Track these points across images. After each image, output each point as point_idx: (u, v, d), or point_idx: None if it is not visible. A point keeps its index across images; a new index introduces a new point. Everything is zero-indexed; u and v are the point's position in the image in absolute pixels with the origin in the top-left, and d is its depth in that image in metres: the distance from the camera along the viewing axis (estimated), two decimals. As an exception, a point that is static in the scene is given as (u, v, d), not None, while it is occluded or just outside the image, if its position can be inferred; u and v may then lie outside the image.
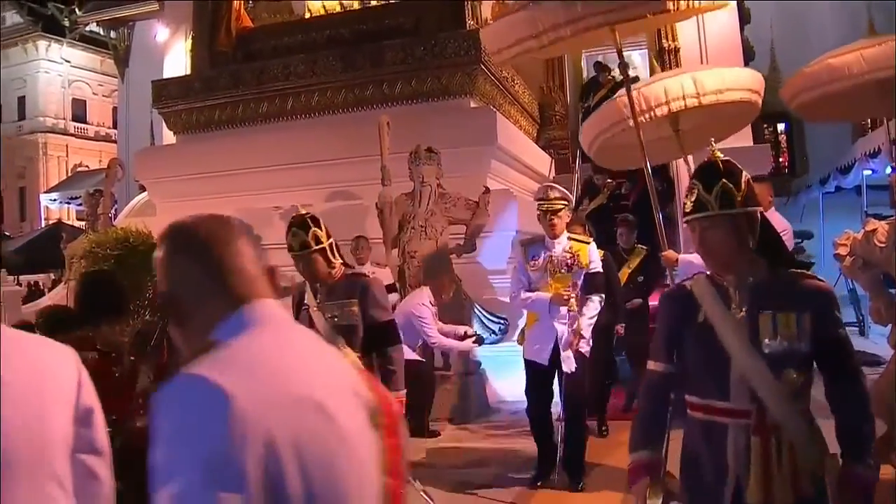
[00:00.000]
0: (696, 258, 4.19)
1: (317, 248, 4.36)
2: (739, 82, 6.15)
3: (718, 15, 14.60)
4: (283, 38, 12.51)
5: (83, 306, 5.22)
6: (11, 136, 50.73)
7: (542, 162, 13.36)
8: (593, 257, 5.84)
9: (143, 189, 16.72)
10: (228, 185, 11.11)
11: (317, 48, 12.01)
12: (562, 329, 5.66)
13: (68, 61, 51.06)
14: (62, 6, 42.62)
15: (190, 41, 14.97)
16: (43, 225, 37.59)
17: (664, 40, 13.94)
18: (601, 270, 5.94)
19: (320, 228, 4.38)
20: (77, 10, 26.99)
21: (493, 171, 10.35)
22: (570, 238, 5.81)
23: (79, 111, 51.85)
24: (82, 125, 51.83)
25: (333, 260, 4.45)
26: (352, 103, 11.50)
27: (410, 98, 11.15)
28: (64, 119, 51.12)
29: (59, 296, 11.85)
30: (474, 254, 9.04)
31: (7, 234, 37.25)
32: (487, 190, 9.00)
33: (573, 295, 5.66)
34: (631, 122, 5.64)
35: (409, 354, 7.62)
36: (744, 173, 2.57)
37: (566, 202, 5.79)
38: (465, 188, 9.11)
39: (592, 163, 10.51)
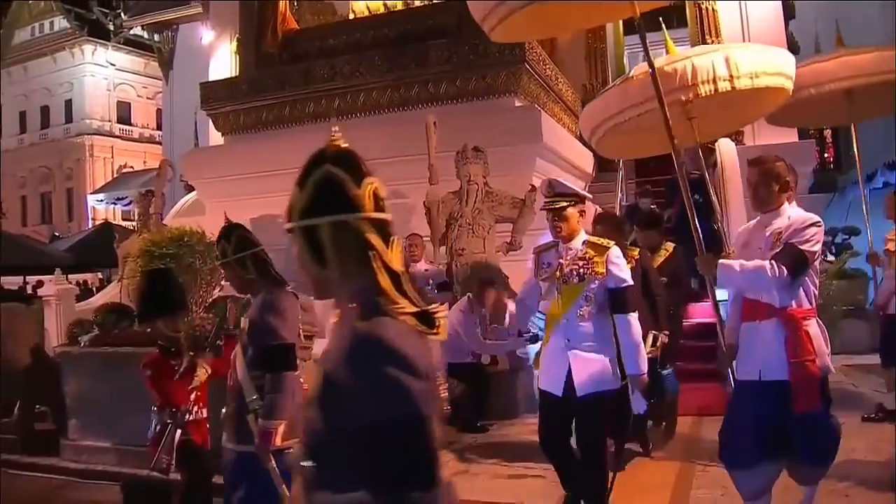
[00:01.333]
0: (738, 264, 4.10)
1: (223, 260, 4.30)
2: (777, 65, 5.49)
3: (762, 10, 14.55)
4: (328, 39, 12.68)
5: (144, 303, 5.40)
6: (59, 138, 51.87)
7: (586, 160, 13.36)
8: (615, 264, 4.67)
9: (188, 189, 17.04)
10: (277, 185, 11.17)
11: (362, 48, 12.15)
12: (579, 356, 4.61)
13: (113, 64, 51.98)
14: (107, 11, 43.30)
15: (235, 43, 15.21)
16: (90, 225, 38.30)
17: (707, 36, 13.87)
18: (630, 283, 4.75)
19: (229, 243, 4.21)
20: (122, 14, 27.40)
21: (538, 169, 10.39)
22: (587, 242, 4.77)
23: (123, 113, 52.79)
24: (127, 127, 52.73)
25: (246, 275, 4.23)
26: (397, 103, 11.62)
27: (455, 97, 11.24)
28: (109, 121, 52.05)
29: (112, 293, 12.12)
30: (521, 252, 9.10)
31: (56, 233, 38.02)
32: (533, 188, 9.05)
33: (587, 311, 4.64)
34: (648, 106, 5.21)
35: (462, 357, 7.79)
36: None
37: (573, 199, 4.77)
38: (512, 186, 9.18)
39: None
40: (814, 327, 4.10)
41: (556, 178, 4.94)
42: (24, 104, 53.68)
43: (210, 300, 7.81)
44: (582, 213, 4.79)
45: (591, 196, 4.57)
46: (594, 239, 4.79)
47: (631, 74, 5.89)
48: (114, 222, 32.78)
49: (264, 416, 3.97)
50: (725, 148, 11.93)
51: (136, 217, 12.71)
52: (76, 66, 51.32)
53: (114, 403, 7.44)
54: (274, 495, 3.92)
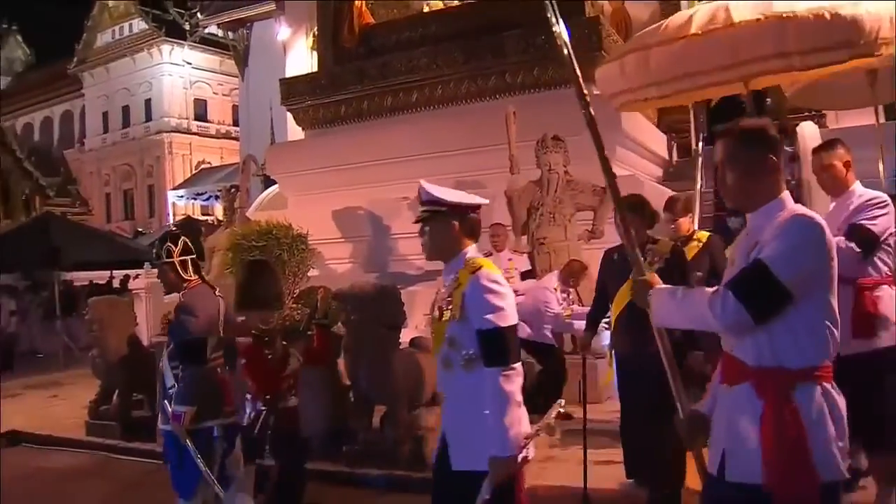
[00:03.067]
0: (679, 292, 2.76)
1: (166, 260, 4.82)
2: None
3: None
4: (404, 33, 12.81)
5: (244, 293, 5.58)
6: (140, 137, 53.36)
7: (664, 147, 13.25)
8: (477, 295, 3.15)
9: (266, 184, 17.39)
10: (357, 178, 11.48)
11: (438, 41, 12.25)
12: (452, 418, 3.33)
13: (190, 63, 53.13)
14: (183, 11, 44.27)
15: (311, 39, 15.48)
16: (170, 220, 39.31)
17: None
18: (502, 325, 3.12)
19: (175, 245, 4.82)
20: (198, 14, 28.00)
21: (618, 157, 10.35)
22: (467, 263, 3.27)
23: (200, 110, 54.02)
24: (204, 124, 53.93)
25: (185, 276, 4.84)
26: (475, 94, 11.70)
27: (533, 87, 11.27)
28: (187, 119, 53.32)
29: (200, 287, 12.42)
30: (602, 240, 9.09)
31: (140, 229, 39.15)
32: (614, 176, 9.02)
33: (456, 359, 3.23)
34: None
35: (542, 338, 7.83)
36: None
37: (439, 208, 3.28)
38: (592, 175, 9.15)
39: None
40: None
41: (424, 183, 3.40)
42: (107, 105, 55.42)
43: (297, 291, 8.00)
44: (458, 225, 3.30)
45: (479, 202, 3.36)
46: (473, 260, 3.28)
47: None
48: (194, 217, 33.59)
49: (174, 402, 4.61)
50: (809, 131, 11.67)
51: (223, 212, 13.03)
52: (154, 65, 52.66)
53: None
54: (195, 469, 4.65)
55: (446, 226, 3.30)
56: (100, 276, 22.04)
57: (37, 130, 60.18)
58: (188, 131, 53.13)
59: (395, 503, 6.04)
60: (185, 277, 4.90)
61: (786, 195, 2.66)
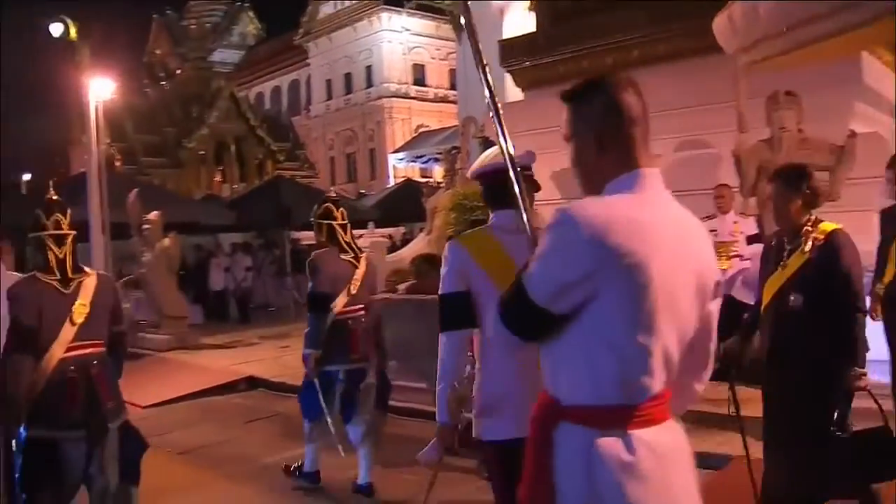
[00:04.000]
0: None
1: (317, 221, 6.00)
2: None
3: None
4: (623, -10, 12.49)
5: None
6: (361, 102, 55.69)
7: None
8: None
9: (482, 145, 17.58)
10: (575, 139, 11.37)
11: (658, -4, 11.85)
12: None
13: (408, 29, 54.66)
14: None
15: (529, 0, 15.41)
16: (391, 182, 40.77)
17: None
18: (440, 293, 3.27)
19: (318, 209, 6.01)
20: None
21: (858, 113, 9.64)
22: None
23: (418, 75, 55.61)
24: (422, 88, 55.47)
25: (318, 237, 6.01)
26: (699, 50, 11.22)
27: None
28: (406, 84, 55.02)
29: (420, 245, 12.86)
30: (839, 202, 8.54)
31: (362, 191, 40.91)
32: (853, 133, 8.42)
33: None
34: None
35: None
36: None
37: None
38: (828, 133, 8.60)
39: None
40: None
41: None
42: (330, 73, 58.19)
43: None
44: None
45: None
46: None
47: None
48: (413, 179, 34.64)
49: (304, 345, 5.97)
50: None
51: (443, 173, 13.36)
52: (374, 33, 54.63)
53: (428, 348, 7.93)
54: (316, 402, 5.91)
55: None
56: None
57: (267, 99, 64.18)
58: (407, 96, 54.84)
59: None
60: (319, 239, 5.88)
61: None
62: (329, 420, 5.83)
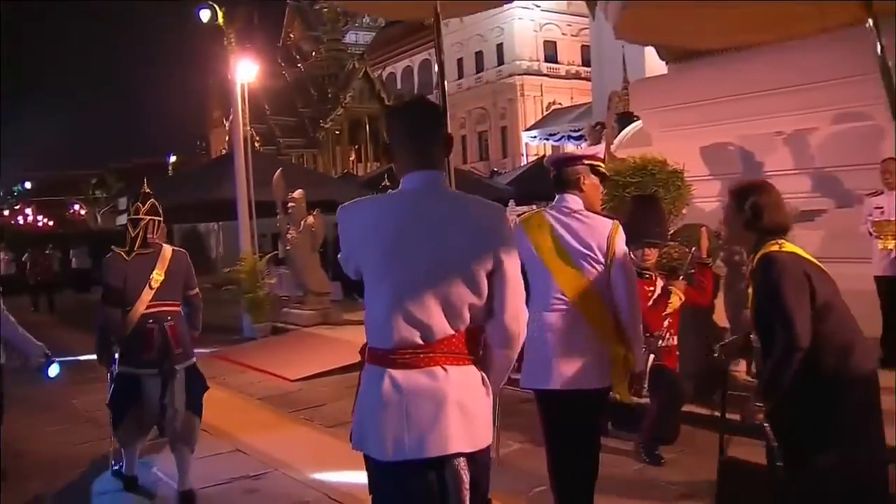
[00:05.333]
0: None
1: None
2: None
3: None
4: (775, -45, 11.94)
5: (630, 228, 5.60)
6: (493, 80, 55.74)
7: None
8: None
9: (621, 121, 17.25)
10: (723, 112, 10.95)
11: (814, -40, 11.27)
12: None
13: (538, 6, 54.14)
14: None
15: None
16: (524, 161, 40.67)
17: None
18: None
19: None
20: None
21: None
22: None
23: (550, 52, 55.13)
24: (554, 65, 55.00)
25: None
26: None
27: (929, 3, 10.00)
28: (537, 61, 54.70)
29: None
30: None
31: (495, 169, 40.97)
32: None
33: None
34: None
35: None
36: None
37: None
38: None
39: None
40: None
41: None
42: (461, 51, 58.34)
43: (672, 228, 7.87)
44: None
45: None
46: None
47: None
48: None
49: None
50: None
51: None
52: (505, 10, 54.27)
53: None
54: None
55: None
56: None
57: (399, 79, 65.03)
58: (538, 73, 54.50)
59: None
60: None
61: None
62: None
